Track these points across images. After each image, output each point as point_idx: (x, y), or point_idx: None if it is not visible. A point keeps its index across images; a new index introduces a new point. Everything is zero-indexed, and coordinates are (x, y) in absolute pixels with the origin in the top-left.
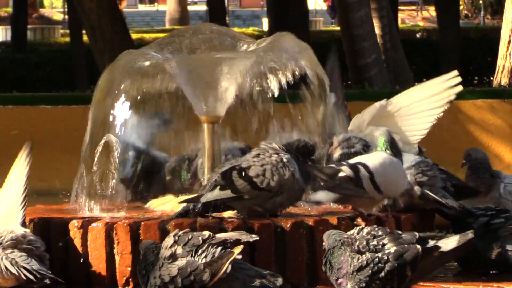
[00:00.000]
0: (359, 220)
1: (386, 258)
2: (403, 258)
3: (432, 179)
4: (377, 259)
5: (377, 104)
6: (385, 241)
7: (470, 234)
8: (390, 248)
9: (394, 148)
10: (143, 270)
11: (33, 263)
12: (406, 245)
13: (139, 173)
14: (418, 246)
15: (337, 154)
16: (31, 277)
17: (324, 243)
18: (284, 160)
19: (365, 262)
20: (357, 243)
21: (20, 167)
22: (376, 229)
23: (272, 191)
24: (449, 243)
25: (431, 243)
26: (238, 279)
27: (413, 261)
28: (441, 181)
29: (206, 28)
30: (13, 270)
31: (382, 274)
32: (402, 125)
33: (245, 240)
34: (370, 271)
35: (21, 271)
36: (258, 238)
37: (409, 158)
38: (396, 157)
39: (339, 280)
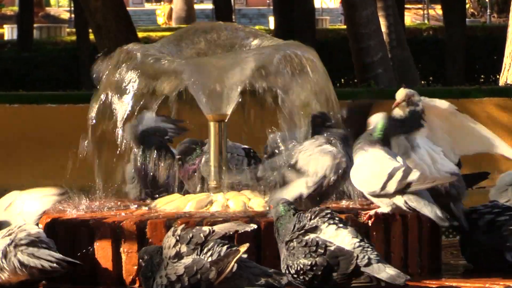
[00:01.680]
0: (365, 217)
1: (322, 251)
2: (336, 261)
3: (460, 195)
4: (314, 247)
5: (447, 104)
6: (339, 227)
7: (403, 278)
8: (331, 244)
9: (385, 135)
10: (149, 273)
11: (49, 252)
12: (346, 249)
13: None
14: (355, 256)
15: (402, 112)
16: (54, 264)
17: (269, 209)
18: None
19: (304, 242)
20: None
21: (46, 199)
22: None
23: None
24: (382, 272)
25: (366, 262)
26: (243, 277)
27: (343, 268)
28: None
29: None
30: (34, 262)
31: (310, 262)
32: (456, 136)
33: (243, 230)
34: (303, 254)
35: (41, 262)
36: (256, 227)
37: (449, 165)
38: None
39: (282, 245)
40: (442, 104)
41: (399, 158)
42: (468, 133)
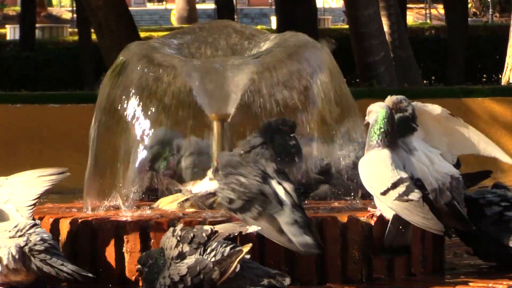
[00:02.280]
0: (368, 218)
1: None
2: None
3: (460, 196)
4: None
5: (440, 109)
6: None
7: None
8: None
9: (391, 127)
10: (155, 275)
11: (64, 262)
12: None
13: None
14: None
15: None
16: (69, 276)
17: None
18: None
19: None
20: None
21: (43, 180)
22: None
23: None
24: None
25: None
26: (246, 278)
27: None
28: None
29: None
30: (49, 270)
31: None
32: (451, 138)
33: (246, 232)
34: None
35: (57, 271)
36: (259, 229)
37: (447, 167)
38: (391, 140)
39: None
40: (435, 109)
41: (404, 171)
42: (461, 136)
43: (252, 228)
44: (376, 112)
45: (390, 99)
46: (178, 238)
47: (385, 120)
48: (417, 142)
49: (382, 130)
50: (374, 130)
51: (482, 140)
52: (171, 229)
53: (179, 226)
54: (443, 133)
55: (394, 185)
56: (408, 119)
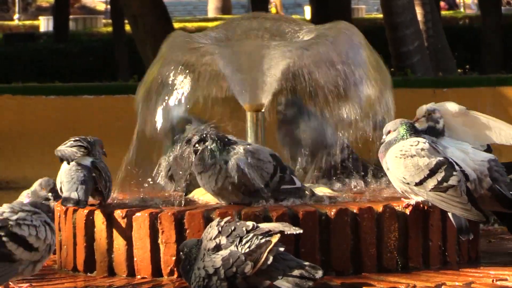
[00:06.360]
0: (403, 205)
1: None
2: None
3: (503, 177)
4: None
5: (457, 107)
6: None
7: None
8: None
9: (415, 131)
10: (187, 266)
11: None
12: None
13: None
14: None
15: (421, 126)
16: None
17: None
18: None
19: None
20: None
21: None
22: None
23: None
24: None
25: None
26: (278, 269)
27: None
28: (507, 177)
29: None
30: None
31: None
32: (474, 130)
33: (289, 232)
34: None
35: None
36: (301, 231)
37: (481, 154)
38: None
39: None
40: (453, 107)
41: (442, 153)
42: (484, 126)
43: (295, 230)
44: (396, 129)
45: (423, 107)
46: (220, 229)
47: (408, 131)
48: (444, 141)
49: (408, 132)
50: (398, 138)
51: (504, 127)
52: (218, 219)
53: (226, 218)
54: (465, 125)
55: (432, 172)
56: (437, 132)
